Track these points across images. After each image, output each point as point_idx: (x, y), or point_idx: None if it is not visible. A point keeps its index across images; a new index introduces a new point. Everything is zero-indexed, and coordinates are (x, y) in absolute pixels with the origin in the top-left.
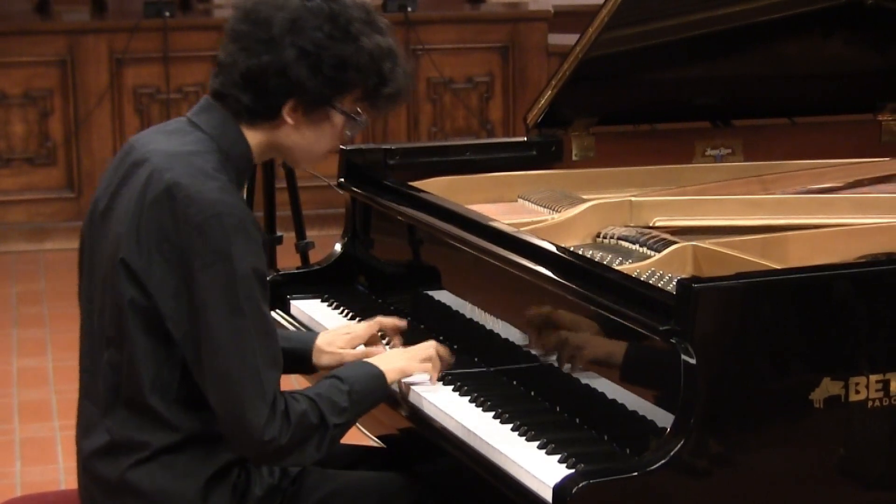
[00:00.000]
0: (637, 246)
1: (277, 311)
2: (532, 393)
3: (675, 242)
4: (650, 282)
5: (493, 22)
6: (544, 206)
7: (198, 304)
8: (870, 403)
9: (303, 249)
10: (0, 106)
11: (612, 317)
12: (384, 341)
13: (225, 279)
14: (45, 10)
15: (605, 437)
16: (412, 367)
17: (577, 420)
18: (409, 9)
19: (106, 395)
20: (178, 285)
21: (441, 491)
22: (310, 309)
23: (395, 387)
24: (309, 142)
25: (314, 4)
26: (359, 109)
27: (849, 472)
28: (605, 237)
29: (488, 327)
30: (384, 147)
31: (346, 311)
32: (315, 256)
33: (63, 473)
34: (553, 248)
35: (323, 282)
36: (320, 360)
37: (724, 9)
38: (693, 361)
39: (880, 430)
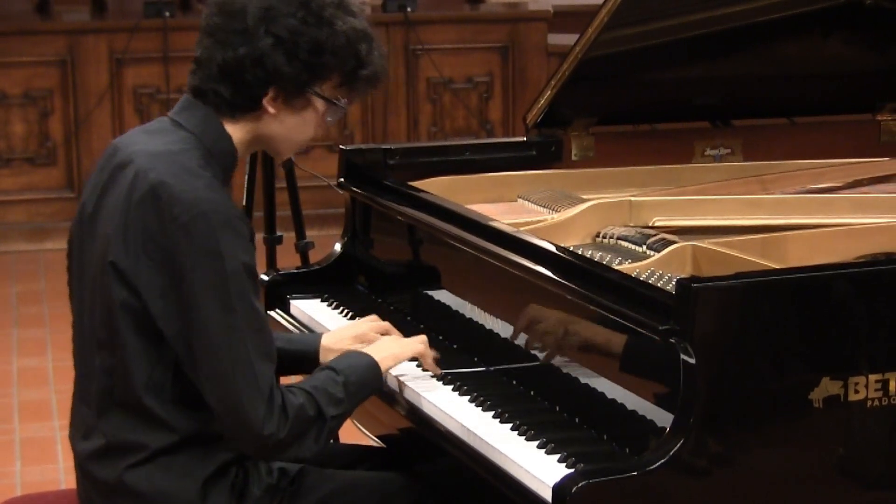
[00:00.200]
0: (636, 246)
1: (277, 310)
2: (532, 392)
3: (674, 242)
4: (650, 281)
5: (492, 22)
6: (544, 206)
7: (189, 303)
8: (869, 403)
9: (303, 249)
10: (0, 106)
11: (611, 316)
12: None
13: (215, 278)
14: (45, 10)
15: (605, 437)
16: (405, 353)
17: (577, 420)
18: (409, 9)
19: (99, 397)
20: (166, 285)
21: (441, 491)
22: (310, 309)
23: (394, 386)
24: (291, 130)
25: None
26: (339, 96)
27: (848, 471)
28: (604, 237)
29: (488, 327)
30: (384, 147)
31: (346, 310)
32: (315, 256)
33: (63, 473)
34: (553, 248)
35: (323, 282)
36: (327, 358)
37: (723, 9)
38: (692, 361)
39: (879, 429)
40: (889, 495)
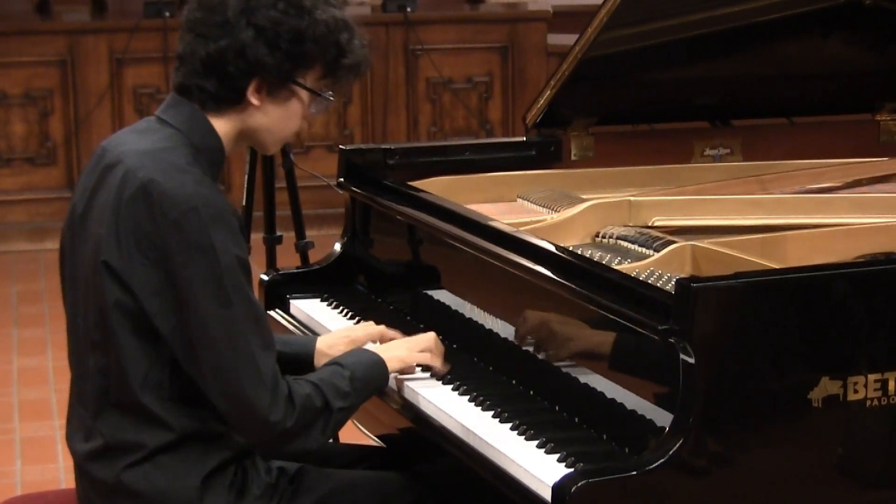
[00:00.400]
0: (636, 245)
1: (277, 310)
2: (531, 392)
3: (673, 242)
4: (649, 281)
5: (492, 22)
6: (543, 206)
7: (185, 299)
8: (868, 403)
9: (302, 249)
10: (0, 106)
11: (611, 316)
12: None
13: (210, 272)
14: (46, 10)
15: (605, 437)
16: (412, 356)
17: (577, 419)
18: (409, 9)
19: (95, 398)
20: (160, 282)
21: (441, 490)
22: (309, 308)
23: (394, 386)
24: (276, 122)
25: None
26: (323, 87)
27: (847, 471)
28: (604, 237)
29: (488, 327)
30: (384, 147)
31: (345, 310)
32: (315, 256)
33: (63, 472)
34: (552, 248)
35: (323, 281)
36: (321, 363)
37: (722, 9)
38: (692, 361)
39: (879, 429)
40: (888, 495)
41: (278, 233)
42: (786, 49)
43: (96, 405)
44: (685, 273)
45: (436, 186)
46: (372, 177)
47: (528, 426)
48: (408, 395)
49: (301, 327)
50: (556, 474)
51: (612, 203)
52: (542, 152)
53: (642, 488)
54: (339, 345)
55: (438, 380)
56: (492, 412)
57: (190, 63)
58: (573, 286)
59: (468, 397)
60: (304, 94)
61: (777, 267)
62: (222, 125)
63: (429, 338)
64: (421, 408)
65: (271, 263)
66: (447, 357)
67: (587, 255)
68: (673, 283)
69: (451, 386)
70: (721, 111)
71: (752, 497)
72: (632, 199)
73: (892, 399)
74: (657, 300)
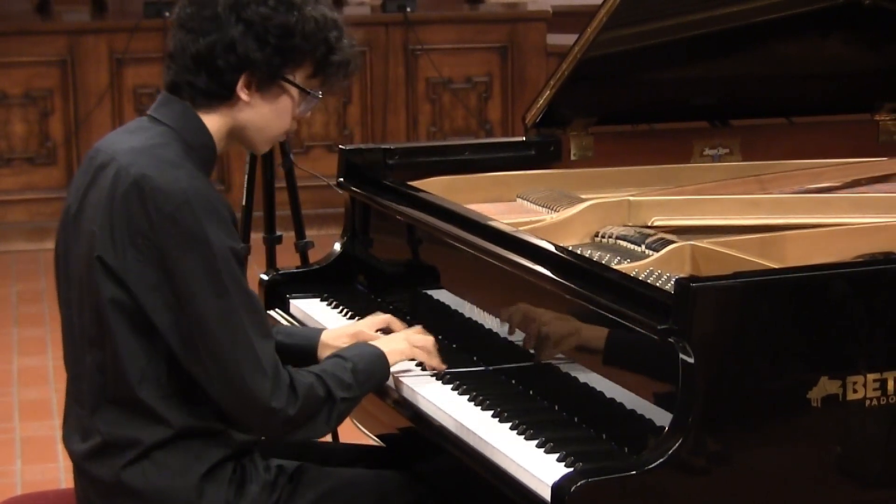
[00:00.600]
0: (635, 245)
1: (277, 310)
2: (531, 392)
3: (673, 242)
4: (648, 281)
5: (491, 22)
6: (543, 206)
7: (182, 292)
8: (867, 402)
9: (302, 249)
10: (0, 106)
11: (610, 316)
12: None
13: (206, 264)
14: (46, 10)
15: (604, 436)
16: (412, 350)
17: (576, 419)
18: (409, 9)
19: (92, 395)
20: (157, 277)
21: (440, 490)
22: (309, 308)
23: (393, 385)
24: (266, 119)
25: None
26: (312, 86)
27: (846, 470)
28: (603, 236)
29: (487, 326)
30: (383, 147)
31: (345, 310)
32: (314, 256)
33: (63, 472)
34: (552, 248)
35: (322, 281)
36: (324, 355)
37: (721, 9)
38: (691, 360)
39: (878, 428)
40: (887, 494)
41: (278, 232)
42: (785, 49)
43: (94, 402)
44: (684, 273)
45: (435, 186)
46: (372, 177)
47: (527, 425)
48: (407, 394)
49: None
50: (556, 474)
51: (612, 203)
52: (541, 152)
53: (642, 488)
54: (343, 337)
55: (438, 379)
56: (491, 412)
57: (181, 60)
58: (572, 286)
59: (468, 397)
60: (293, 91)
61: (776, 267)
62: (213, 122)
63: (428, 336)
64: (420, 407)
65: (271, 263)
66: (446, 360)
67: (586, 255)
68: (672, 282)
69: (450, 385)
70: (720, 111)
71: (752, 496)
72: (631, 198)
73: (892, 399)
74: (656, 300)
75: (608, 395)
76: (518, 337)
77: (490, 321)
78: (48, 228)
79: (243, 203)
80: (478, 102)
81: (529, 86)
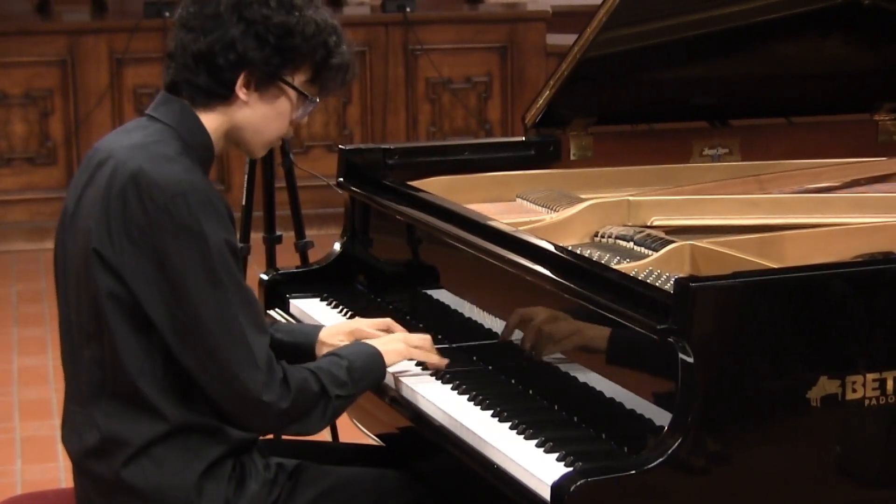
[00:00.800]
0: (635, 245)
1: (277, 310)
2: (530, 391)
3: (672, 242)
4: (648, 281)
5: (491, 22)
6: (542, 206)
7: (176, 284)
8: (866, 402)
9: (302, 249)
10: (0, 106)
11: (609, 316)
12: None
13: (200, 255)
14: (46, 10)
15: (603, 436)
16: (410, 351)
17: (576, 418)
18: (408, 9)
19: (90, 390)
20: (152, 269)
21: (439, 489)
22: (309, 308)
23: (393, 385)
24: (262, 120)
25: None
26: (310, 91)
27: (845, 470)
28: (602, 236)
29: (487, 326)
30: (383, 147)
31: (345, 310)
32: (314, 256)
33: (63, 472)
34: (551, 248)
35: (322, 281)
36: (321, 352)
37: (721, 9)
38: (690, 360)
39: (877, 428)
40: (886, 494)
41: (278, 232)
42: (784, 49)
43: (92, 397)
44: (684, 272)
45: (435, 186)
46: (371, 176)
47: (527, 425)
48: (406, 393)
49: None
50: (555, 473)
51: (611, 203)
52: (541, 152)
53: (641, 487)
54: (341, 335)
55: (437, 378)
56: (491, 411)
57: (181, 59)
58: (572, 286)
59: (467, 396)
60: (291, 93)
61: (775, 266)
62: (211, 121)
63: (425, 335)
64: (420, 406)
65: (271, 263)
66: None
67: (586, 255)
68: (672, 282)
69: (450, 385)
70: (720, 111)
71: (751, 496)
72: (630, 198)
73: (891, 398)
74: (656, 300)
75: (608, 394)
76: (518, 337)
77: (490, 321)
78: (48, 228)
79: (243, 203)
80: (477, 102)
81: (529, 86)
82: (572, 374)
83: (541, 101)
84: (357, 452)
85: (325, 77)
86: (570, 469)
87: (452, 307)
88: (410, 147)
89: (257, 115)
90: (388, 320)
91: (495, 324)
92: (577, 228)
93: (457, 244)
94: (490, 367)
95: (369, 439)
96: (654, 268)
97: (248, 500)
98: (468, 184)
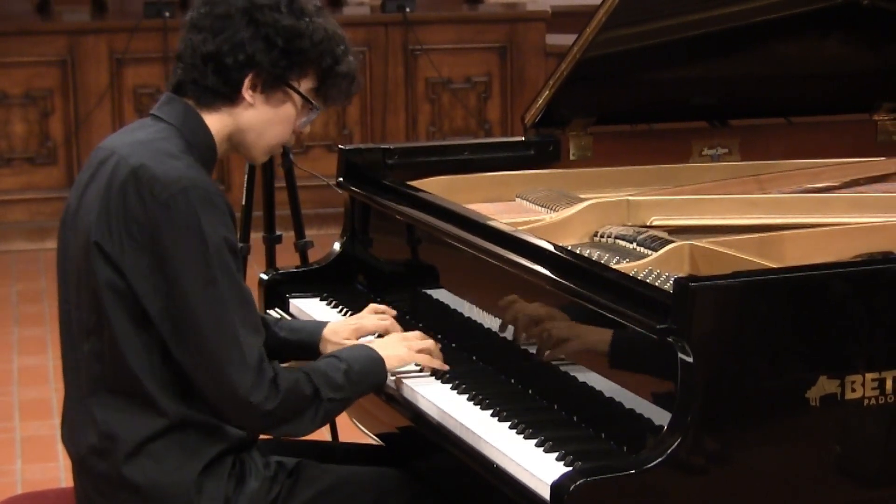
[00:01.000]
0: (634, 245)
1: (277, 309)
2: (530, 391)
3: (672, 241)
4: (647, 281)
5: (491, 22)
6: (542, 206)
7: (172, 279)
8: (866, 401)
9: (302, 248)
10: (1, 106)
11: (609, 315)
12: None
13: (197, 252)
14: (46, 10)
15: (603, 435)
16: (412, 356)
17: (575, 418)
18: (408, 9)
19: (89, 386)
20: (149, 263)
21: (439, 488)
22: (309, 308)
23: (393, 384)
24: (266, 124)
25: None
26: (314, 99)
27: (845, 469)
28: (602, 236)
29: (486, 326)
30: (383, 147)
31: (345, 309)
32: (314, 255)
33: (63, 471)
34: (551, 248)
35: (322, 281)
36: (325, 349)
37: (720, 9)
38: (690, 360)
39: (876, 428)
40: (885, 493)
41: (278, 232)
42: (783, 49)
43: (91, 393)
44: (683, 272)
45: (435, 186)
46: (371, 176)
47: (526, 425)
48: (407, 393)
49: None
50: (555, 473)
51: (611, 202)
52: (540, 152)
53: (641, 487)
54: (345, 332)
55: (437, 378)
56: (490, 411)
57: (189, 59)
58: (572, 285)
59: (467, 396)
60: (296, 99)
61: (775, 266)
62: (215, 122)
63: (428, 340)
64: (420, 406)
65: (271, 263)
66: (446, 359)
67: (585, 255)
68: (671, 282)
69: (450, 385)
70: (719, 111)
71: (750, 495)
72: (630, 198)
73: (890, 398)
74: (655, 299)
75: (607, 394)
76: (517, 336)
77: (489, 321)
78: (48, 228)
79: (243, 203)
80: (477, 102)
81: (528, 86)
82: (572, 373)
83: (540, 101)
84: (357, 452)
85: (330, 85)
86: (570, 468)
87: (452, 307)
88: (410, 147)
89: (261, 119)
90: (389, 322)
91: (495, 324)
92: (577, 228)
93: (456, 244)
94: (490, 367)
95: (369, 439)
96: (654, 268)
97: (248, 497)
98: (468, 184)
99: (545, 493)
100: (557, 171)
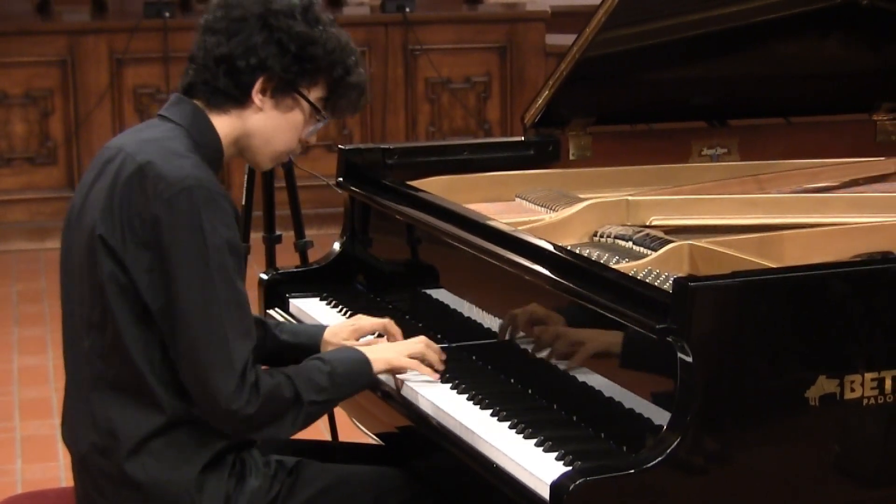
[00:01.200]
0: (634, 245)
1: (277, 309)
2: (529, 391)
3: (671, 241)
4: (647, 280)
5: (490, 22)
6: (541, 206)
7: (171, 277)
8: (865, 401)
9: (302, 248)
10: (1, 106)
11: (609, 315)
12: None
13: (196, 251)
14: (46, 10)
15: (602, 435)
16: (400, 360)
17: (575, 418)
18: (408, 9)
19: (90, 382)
20: (152, 260)
21: (438, 488)
22: (309, 308)
23: (393, 384)
24: (273, 130)
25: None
26: (322, 109)
27: (844, 469)
28: (601, 236)
29: (486, 325)
30: (382, 147)
31: (345, 309)
32: (314, 255)
33: (63, 471)
34: (550, 247)
35: (322, 281)
36: (325, 350)
37: (720, 9)
38: (689, 360)
39: (875, 427)
40: (885, 493)
41: (278, 232)
42: (783, 49)
43: (91, 389)
44: (683, 272)
45: (434, 186)
46: (371, 176)
47: (526, 424)
48: (406, 393)
49: None
50: (555, 472)
51: (610, 202)
52: (540, 152)
53: (640, 486)
54: (343, 332)
55: (437, 378)
56: (490, 410)
57: (202, 60)
58: (571, 285)
59: (466, 395)
60: (305, 107)
61: (774, 266)
62: (223, 124)
63: (418, 341)
64: (420, 406)
65: (271, 263)
66: (442, 358)
67: (585, 255)
68: (670, 282)
69: (449, 384)
70: (718, 111)
71: (750, 495)
72: (630, 198)
73: (889, 398)
74: (655, 299)
75: (607, 394)
76: (517, 336)
77: (489, 321)
78: (48, 228)
79: (243, 202)
80: (477, 102)
81: (528, 86)
82: (571, 373)
83: (540, 101)
84: (356, 451)
85: (340, 95)
86: (570, 468)
87: (452, 307)
88: (410, 147)
89: (269, 124)
90: (386, 321)
91: (495, 323)
92: (577, 228)
93: (456, 244)
94: (489, 367)
95: (369, 438)
96: (653, 267)
97: (249, 495)
98: (467, 184)
99: (545, 493)
100: (557, 171)
